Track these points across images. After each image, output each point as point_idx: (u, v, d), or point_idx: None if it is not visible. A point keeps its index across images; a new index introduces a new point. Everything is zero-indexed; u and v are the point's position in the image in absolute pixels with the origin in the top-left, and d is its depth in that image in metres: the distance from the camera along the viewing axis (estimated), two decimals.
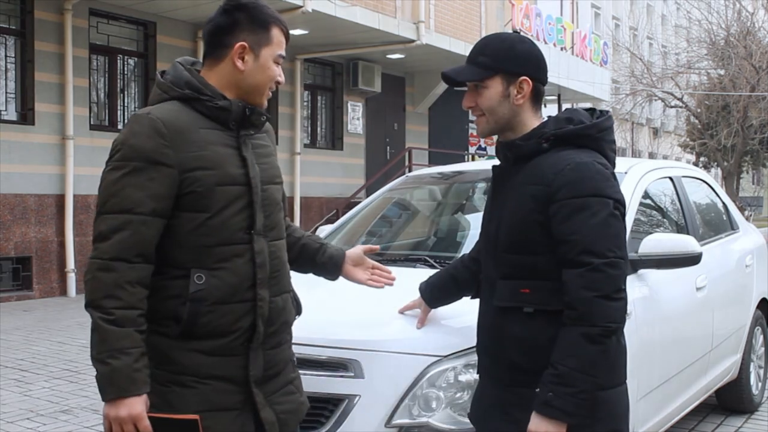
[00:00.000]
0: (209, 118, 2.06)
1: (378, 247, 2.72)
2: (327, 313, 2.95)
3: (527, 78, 2.14)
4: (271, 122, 12.45)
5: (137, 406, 1.94)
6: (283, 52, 2.14)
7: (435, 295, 2.72)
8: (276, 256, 2.14)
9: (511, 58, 2.14)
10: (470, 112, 2.23)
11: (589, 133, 2.12)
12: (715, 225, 4.92)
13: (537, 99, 2.18)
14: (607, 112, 2.23)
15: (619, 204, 2.06)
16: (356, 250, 2.58)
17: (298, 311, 2.32)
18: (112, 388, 1.94)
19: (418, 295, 2.77)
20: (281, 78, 2.15)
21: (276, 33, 2.11)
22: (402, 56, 15.01)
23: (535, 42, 2.21)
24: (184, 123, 2.02)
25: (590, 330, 1.96)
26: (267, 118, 2.18)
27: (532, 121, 2.17)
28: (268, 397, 2.13)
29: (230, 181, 2.04)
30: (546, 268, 2.07)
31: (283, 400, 2.17)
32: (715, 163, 27.42)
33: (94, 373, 1.98)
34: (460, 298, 2.67)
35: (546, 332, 2.07)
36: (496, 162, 2.30)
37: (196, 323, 2.01)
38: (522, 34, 2.08)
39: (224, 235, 2.03)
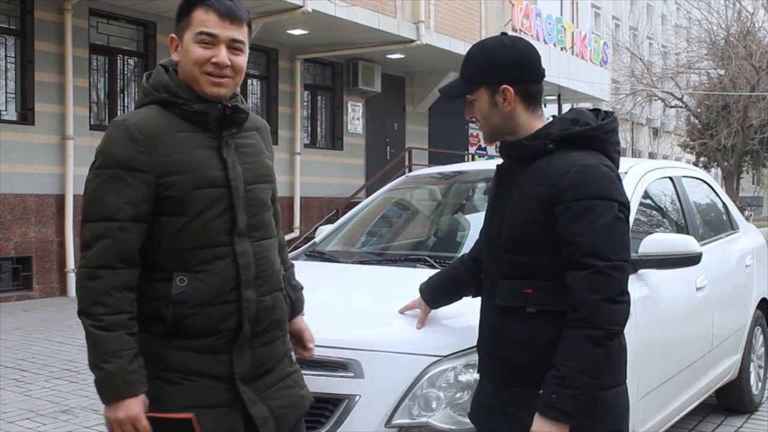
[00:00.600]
0: (188, 120, 2.05)
1: (310, 352, 2.44)
2: (327, 313, 2.95)
3: (507, 85, 2.13)
4: (271, 122, 12.35)
5: (134, 407, 1.96)
6: (210, 29, 2.02)
7: (435, 295, 2.72)
8: (262, 256, 2.11)
9: (490, 68, 2.15)
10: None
11: (595, 135, 2.13)
12: (715, 225, 4.92)
13: (529, 100, 2.17)
14: (612, 113, 2.23)
15: (624, 207, 2.07)
16: (302, 328, 2.42)
17: (293, 310, 2.33)
18: (108, 392, 1.96)
19: (418, 295, 2.77)
20: (217, 58, 2.02)
21: (198, 13, 2.05)
22: (402, 56, 15.00)
23: (535, 42, 2.25)
24: (160, 128, 2.01)
25: (594, 332, 1.98)
26: (246, 114, 2.12)
27: (530, 122, 2.17)
28: (262, 393, 2.12)
29: (208, 183, 2.02)
30: (548, 268, 2.07)
31: (280, 395, 2.17)
32: (715, 163, 27.42)
33: (92, 373, 1.99)
34: (460, 298, 2.67)
35: (548, 332, 2.07)
36: (499, 161, 2.31)
37: (179, 325, 2.02)
38: (511, 34, 2.05)
39: (205, 238, 2.02)
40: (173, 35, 2.11)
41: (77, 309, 2.00)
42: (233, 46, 2.06)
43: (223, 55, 2.03)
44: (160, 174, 1.98)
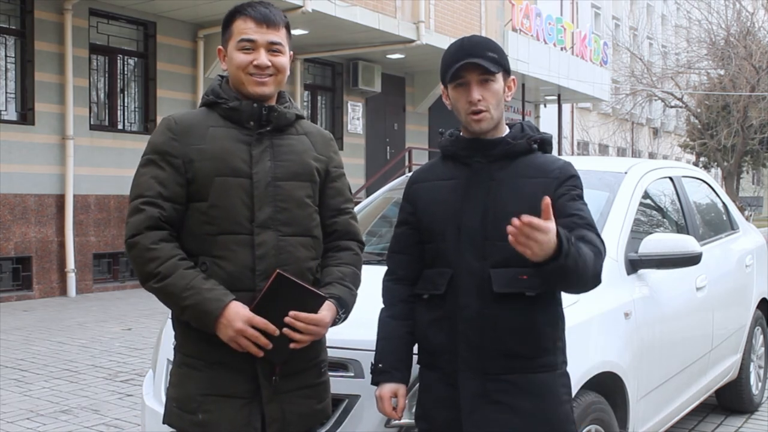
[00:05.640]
0: (226, 118, 2.21)
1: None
2: None
3: (515, 78, 2.36)
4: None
5: (237, 313, 2.05)
6: (249, 35, 2.19)
7: (405, 371, 2.42)
8: (286, 251, 2.17)
9: (506, 58, 2.32)
10: (470, 106, 2.26)
11: (551, 142, 2.39)
12: (715, 225, 4.92)
13: None
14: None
15: None
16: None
17: (345, 314, 2.25)
18: (207, 319, 2.06)
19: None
20: (257, 60, 2.18)
21: (237, 23, 2.21)
22: (402, 56, 15.01)
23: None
24: (196, 121, 2.20)
25: (597, 264, 2.15)
26: (278, 112, 2.22)
27: (504, 123, 2.36)
28: (281, 394, 2.17)
29: (230, 172, 2.15)
30: None
31: (296, 402, 2.21)
32: (715, 163, 27.39)
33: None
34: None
35: (545, 315, 2.23)
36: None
37: None
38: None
39: (226, 224, 2.14)
40: (220, 47, 2.28)
41: (140, 283, 2.14)
42: (272, 48, 2.21)
43: (262, 57, 2.19)
44: (187, 159, 2.15)
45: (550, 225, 1.94)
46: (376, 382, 2.40)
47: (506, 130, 2.34)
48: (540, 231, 1.92)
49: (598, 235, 2.24)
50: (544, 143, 2.35)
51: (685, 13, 27.53)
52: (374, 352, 2.43)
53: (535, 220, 1.91)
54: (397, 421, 2.66)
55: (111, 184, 11.18)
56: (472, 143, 2.30)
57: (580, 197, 2.29)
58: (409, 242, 2.41)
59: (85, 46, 11.07)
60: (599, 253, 2.18)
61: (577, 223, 2.21)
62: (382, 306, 2.47)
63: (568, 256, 1.99)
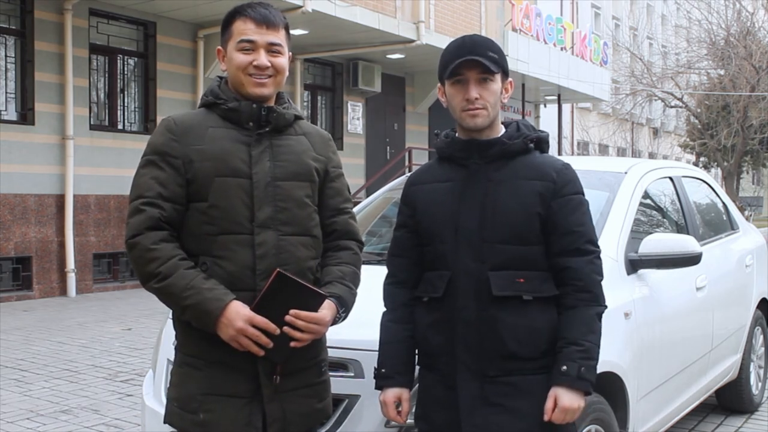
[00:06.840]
0: (225, 119, 2.22)
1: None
2: None
3: (512, 80, 2.36)
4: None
5: (238, 312, 2.06)
6: (249, 36, 2.20)
7: (408, 375, 2.42)
8: (286, 251, 2.17)
9: (505, 60, 2.32)
10: (467, 103, 2.26)
11: (548, 141, 2.38)
12: (715, 225, 4.92)
13: None
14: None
15: None
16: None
17: (345, 312, 2.25)
18: (207, 319, 2.07)
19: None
20: (257, 61, 2.19)
21: (237, 24, 2.23)
22: (402, 56, 15.01)
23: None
24: (195, 122, 2.22)
25: (600, 309, 2.25)
26: (283, 116, 2.23)
27: (500, 124, 2.35)
28: (281, 394, 2.17)
29: (230, 173, 2.15)
30: (536, 258, 2.24)
31: (297, 401, 2.21)
32: (715, 163, 27.38)
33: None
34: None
35: (542, 318, 2.22)
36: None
37: None
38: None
39: (226, 224, 2.14)
40: (219, 47, 2.29)
41: (141, 283, 2.16)
42: (271, 49, 2.22)
43: (262, 58, 2.20)
44: (187, 160, 2.16)
45: (565, 408, 2.17)
46: (379, 386, 2.41)
47: (502, 130, 2.34)
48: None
49: (594, 252, 2.25)
50: (541, 142, 2.33)
51: (685, 13, 27.53)
52: (377, 357, 2.43)
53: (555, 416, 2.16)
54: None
55: (111, 184, 11.18)
56: (468, 144, 2.30)
57: (581, 202, 2.28)
58: (407, 245, 2.41)
59: (85, 46, 11.07)
60: (597, 298, 2.23)
61: (575, 242, 2.23)
62: (384, 310, 2.46)
63: (591, 373, 2.19)
